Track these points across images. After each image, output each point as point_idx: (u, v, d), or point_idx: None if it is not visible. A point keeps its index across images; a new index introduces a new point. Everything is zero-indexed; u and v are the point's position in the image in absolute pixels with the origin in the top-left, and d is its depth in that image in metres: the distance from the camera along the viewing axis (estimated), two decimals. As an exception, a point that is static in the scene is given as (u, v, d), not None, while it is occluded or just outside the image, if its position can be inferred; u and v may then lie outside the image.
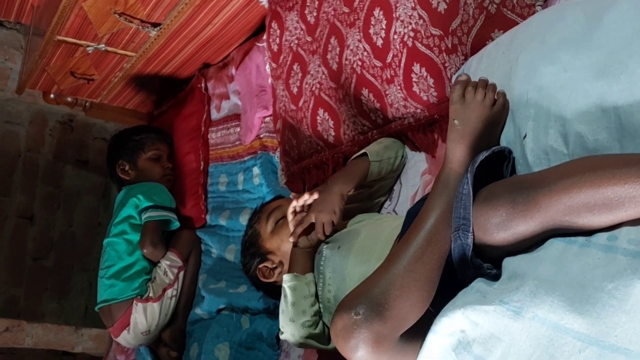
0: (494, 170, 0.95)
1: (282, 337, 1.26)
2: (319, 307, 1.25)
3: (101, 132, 3.05)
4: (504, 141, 0.98)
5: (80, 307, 2.89)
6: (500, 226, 0.84)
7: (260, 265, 1.44)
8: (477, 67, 1.09)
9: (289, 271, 1.29)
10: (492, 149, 0.94)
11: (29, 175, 2.88)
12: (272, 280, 1.44)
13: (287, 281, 1.26)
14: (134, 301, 1.94)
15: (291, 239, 1.31)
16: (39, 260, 2.86)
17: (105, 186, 3.04)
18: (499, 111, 0.97)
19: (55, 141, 2.96)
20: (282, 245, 1.39)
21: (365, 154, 1.32)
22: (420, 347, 0.89)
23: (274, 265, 1.43)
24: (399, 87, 1.33)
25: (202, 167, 2.15)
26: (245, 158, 1.98)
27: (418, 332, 0.89)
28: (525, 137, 0.93)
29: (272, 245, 1.43)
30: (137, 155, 2.15)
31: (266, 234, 1.44)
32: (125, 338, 1.97)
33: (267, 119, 1.88)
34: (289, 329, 1.24)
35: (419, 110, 1.31)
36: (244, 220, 1.88)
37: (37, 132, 2.92)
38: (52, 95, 2.48)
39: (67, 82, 2.31)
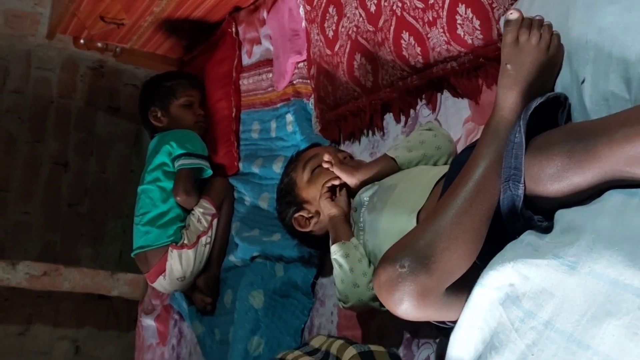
0: (548, 117, 0.90)
1: (346, 306, 1.23)
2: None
3: (131, 79, 3.03)
4: (560, 87, 0.92)
5: (115, 253, 2.94)
6: (555, 177, 0.79)
7: (296, 215, 1.42)
8: (530, 6, 1.02)
9: (333, 243, 1.27)
10: (547, 95, 0.88)
11: (61, 122, 2.89)
12: (307, 229, 1.42)
13: (336, 252, 1.24)
14: (169, 248, 1.95)
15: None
16: (74, 206, 2.90)
17: (137, 133, 3.04)
18: (554, 55, 0.91)
19: (87, 87, 2.96)
20: (318, 195, 1.37)
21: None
22: (466, 300, 0.86)
23: (310, 215, 1.41)
24: (441, 30, 1.27)
25: (234, 114, 2.12)
26: (278, 105, 1.94)
27: (463, 286, 0.86)
28: (583, 82, 0.87)
29: (308, 195, 1.41)
30: (169, 101, 2.12)
31: (302, 183, 1.41)
32: (161, 284, 2.00)
33: (301, 65, 1.82)
34: (355, 295, 1.21)
35: (462, 54, 1.25)
36: (277, 168, 1.86)
37: (69, 78, 2.92)
38: (82, 41, 2.45)
39: (97, 27, 2.27)
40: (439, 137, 1.26)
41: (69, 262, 2.56)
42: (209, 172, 2.04)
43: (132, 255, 2.06)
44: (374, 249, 1.18)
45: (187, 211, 2.02)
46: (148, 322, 2.36)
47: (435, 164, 1.25)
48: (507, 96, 0.90)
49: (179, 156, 2.00)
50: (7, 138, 2.79)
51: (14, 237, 2.74)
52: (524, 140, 0.83)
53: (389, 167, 1.27)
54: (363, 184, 1.29)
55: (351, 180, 1.30)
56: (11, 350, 2.63)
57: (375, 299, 1.20)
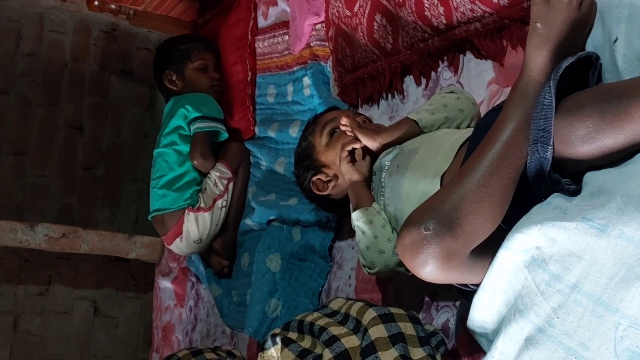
0: (578, 78, 0.88)
1: (372, 272, 1.23)
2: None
3: (144, 42, 3.01)
4: (591, 46, 0.90)
5: (131, 216, 2.97)
6: (585, 138, 0.78)
7: (314, 178, 1.42)
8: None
9: (354, 209, 1.25)
10: (578, 55, 0.86)
11: (75, 85, 2.89)
12: (325, 193, 1.42)
13: (359, 218, 1.22)
14: (186, 211, 1.96)
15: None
16: (90, 169, 2.91)
17: (151, 97, 3.04)
18: (586, 13, 0.88)
19: (100, 51, 2.94)
20: (336, 158, 1.36)
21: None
22: (490, 263, 0.86)
23: (328, 179, 1.40)
24: (465, -11, 1.24)
25: (249, 77, 2.10)
26: (294, 68, 1.91)
27: (488, 249, 0.86)
28: (616, 41, 0.85)
29: (326, 159, 1.40)
30: (184, 65, 2.11)
31: (321, 147, 1.40)
32: (178, 246, 2.02)
33: (318, 26, 1.79)
34: (381, 262, 1.20)
35: (487, 15, 1.22)
36: (293, 132, 1.85)
37: (82, 41, 2.90)
38: (95, 2, 2.42)
39: (111, -13, 2.25)
40: (462, 100, 1.24)
41: (86, 224, 2.59)
42: (225, 135, 2.04)
43: (149, 218, 2.07)
44: (396, 212, 1.17)
45: (203, 175, 2.03)
46: (165, 284, 2.40)
47: (458, 127, 1.23)
48: (536, 56, 0.88)
49: (195, 119, 1.99)
50: (23, 101, 2.79)
51: (32, 200, 2.77)
52: (554, 101, 0.81)
53: (410, 131, 1.25)
54: (384, 147, 1.28)
55: (372, 143, 1.28)
56: (32, 309, 2.68)
57: (401, 264, 1.19)
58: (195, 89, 2.09)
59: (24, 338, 2.66)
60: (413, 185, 1.12)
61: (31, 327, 2.68)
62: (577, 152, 0.79)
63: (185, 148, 2.01)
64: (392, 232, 1.21)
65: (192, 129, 2.00)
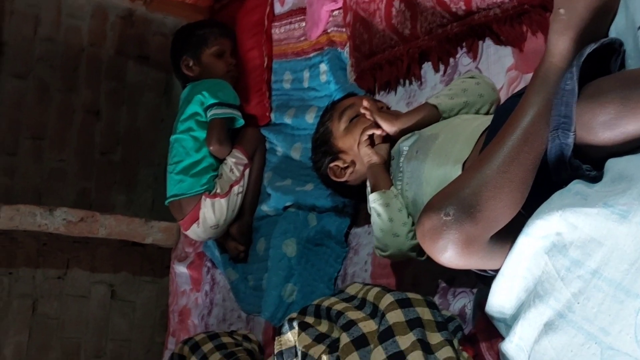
0: (600, 65, 0.87)
1: (384, 255, 1.24)
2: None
3: (161, 28, 3.01)
4: (614, 32, 0.89)
5: (147, 201, 2.99)
6: (607, 125, 0.78)
7: (332, 164, 1.42)
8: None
9: (372, 191, 1.26)
10: (601, 41, 0.86)
11: (93, 70, 2.90)
12: (343, 179, 1.42)
13: (376, 200, 1.23)
14: (203, 196, 1.98)
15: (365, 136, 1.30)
16: (107, 154, 2.94)
17: (167, 83, 3.05)
18: (610, -1, 0.88)
19: (117, 36, 2.95)
20: (354, 144, 1.37)
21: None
22: (509, 249, 0.86)
23: (345, 165, 1.41)
24: (485, -25, 1.23)
25: (265, 63, 2.10)
26: (311, 54, 1.91)
27: (507, 235, 0.86)
28: (640, 27, 0.84)
29: (344, 145, 1.40)
30: (201, 50, 2.11)
31: (339, 132, 1.41)
32: (195, 231, 2.03)
33: (336, 12, 1.79)
34: (394, 245, 1.21)
35: (507, 0, 1.21)
36: (309, 118, 1.85)
37: (99, 26, 2.91)
38: (113, -13, 2.43)
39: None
40: (482, 85, 1.24)
41: (103, 209, 2.62)
42: (241, 121, 2.04)
43: (166, 203, 2.09)
44: (415, 197, 1.17)
45: (220, 161, 2.04)
46: (181, 270, 2.42)
47: (477, 113, 1.23)
48: (559, 42, 0.87)
49: (212, 106, 2.00)
50: (41, 86, 2.81)
51: (50, 184, 2.80)
52: (576, 87, 0.81)
53: (430, 116, 1.25)
54: (403, 132, 1.28)
55: (391, 128, 1.28)
56: (51, 293, 2.72)
57: (414, 249, 1.20)
58: (211, 75, 2.10)
59: (42, 321, 2.71)
60: (433, 170, 1.12)
61: (49, 310, 2.72)
62: (599, 138, 0.79)
63: (202, 134, 2.02)
64: (408, 217, 1.21)
65: (208, 116, 2.01)
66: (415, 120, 1.26)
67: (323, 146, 1.44)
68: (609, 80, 0.81)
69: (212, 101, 2.00)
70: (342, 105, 1.43)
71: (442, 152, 1.13)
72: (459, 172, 1.05)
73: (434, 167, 1.12)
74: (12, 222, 2.23)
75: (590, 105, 0.79)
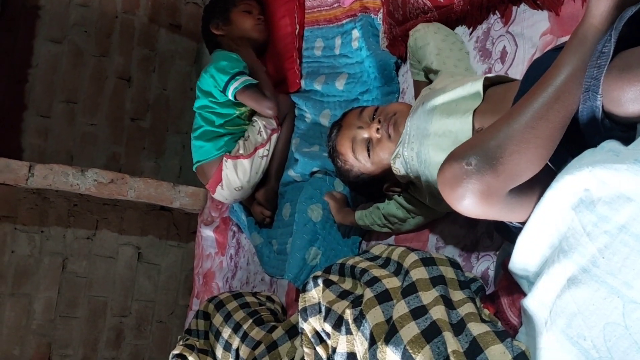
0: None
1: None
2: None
3: (193, -4, 3.04)
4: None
5: (175, 167, 3.04)
6: (636, 100, 0.78)
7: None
8: None
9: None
10: (643, 3, 0.84)
11: (125, 37, 2.94)
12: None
13: (367, 224, 1.52)
14: (224, 158, 2.01)
15: None
16: (137, 120, 2.99)
17: (197, 51, 3.07)
18: (654, -42, 0.86)
19: (150, 4, 2.98)
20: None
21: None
22: (530, 204, 0.87)
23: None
24: (524, -62, 1.21)
25: (297, 30, 2.10)
26: (344, 21, 1.91)
27: (530, 189, 0.86)
28: (682, -13, 0.83)
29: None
30: (229, 10, 2.16)
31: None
32: (221, 193, 2.07)
33: (369, -21, 1.78)
34: (409, 225, 1.43)
35: (544, -35, 1.20)
36: (340, 85, 1.86)
37: (132, -7, 2.94)
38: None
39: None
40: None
41: (132, 173, 2.67)
42: (254, 82, 2.03)
43: (193, 169, 2.13)
44: (420, 149, 1.20)
45: (242, 127, 2.06)
46: (207, 233, 2.46)
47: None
48: (599, 3, 0.86)
49: (227, 85, 1.97)
50: (75, 51, 2.86)
51: (82, 147, 2.86)
52: (612, 51, 0.80)
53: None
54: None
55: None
56: (80, 252, 2.80)
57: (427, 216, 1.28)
58: (240, 30, 2.13)
59: (71, 279, 2.79)
60: (442, 120, 1.15)
61: (78, 269, 2.80)
62: (627, 111, 0.79)
63: (220, 109, 2.03)
64: (396, 209, 1.40)
65: (230, 95, 1.98)
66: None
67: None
68: (637, 55, 0.80)
69: (224, 80, 1.97)
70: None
71: (451, 102, 1.17)
72: (469, 120, 1.09)
73: (443, 117, 1.16)
74: (45, 181, 2.29)
75: (619, 81, 0.79)
